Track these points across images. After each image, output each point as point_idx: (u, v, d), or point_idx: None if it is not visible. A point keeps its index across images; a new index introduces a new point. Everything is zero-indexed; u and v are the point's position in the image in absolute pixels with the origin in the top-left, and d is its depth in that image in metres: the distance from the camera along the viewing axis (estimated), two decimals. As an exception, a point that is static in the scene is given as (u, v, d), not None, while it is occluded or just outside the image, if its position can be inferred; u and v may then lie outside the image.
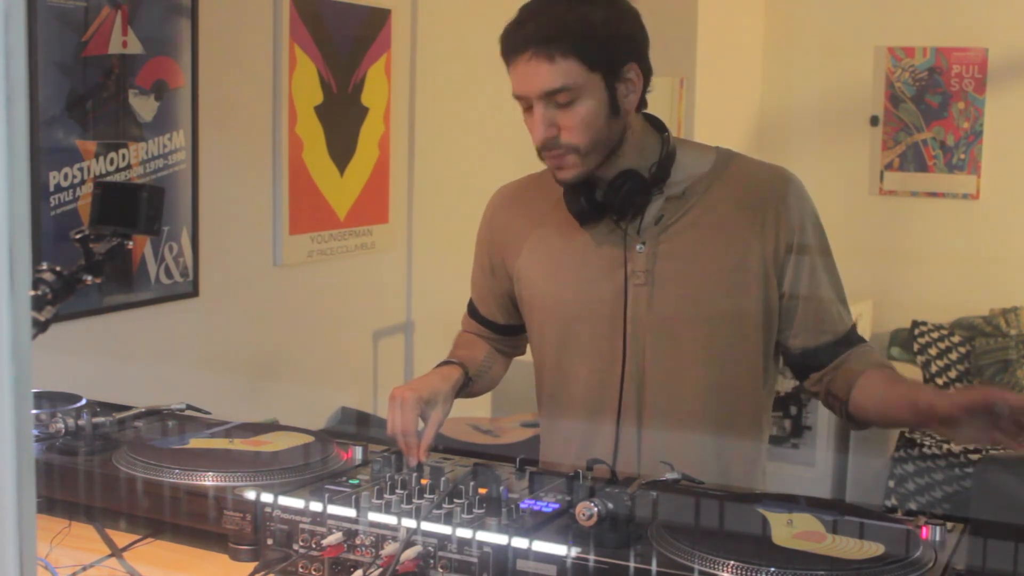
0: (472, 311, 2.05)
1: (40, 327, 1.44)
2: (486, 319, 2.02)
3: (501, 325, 2.02)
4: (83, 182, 2.87)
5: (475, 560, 1.39)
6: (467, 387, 1.89)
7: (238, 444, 1.78)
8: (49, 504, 1.69)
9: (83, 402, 1.95)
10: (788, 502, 1.52)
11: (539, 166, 1.83)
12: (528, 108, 1.72)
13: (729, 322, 1.77)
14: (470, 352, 1.97)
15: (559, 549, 1.36)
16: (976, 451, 4.47)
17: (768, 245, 1.76)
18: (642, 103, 1.78)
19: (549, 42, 1.65)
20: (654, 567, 1.33)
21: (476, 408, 4.29)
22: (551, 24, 1.66)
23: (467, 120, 4.48)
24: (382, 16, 3.94)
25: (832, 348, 1.81)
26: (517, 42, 1.68)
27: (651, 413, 1.80)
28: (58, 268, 1.51)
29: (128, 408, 1.92)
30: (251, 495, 1.55)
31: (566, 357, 1.86)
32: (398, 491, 1.53)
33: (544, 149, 1.72)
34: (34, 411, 1.35)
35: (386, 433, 1.73)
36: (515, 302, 1.96)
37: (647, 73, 1.76)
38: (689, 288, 1.76)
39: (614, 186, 1.74)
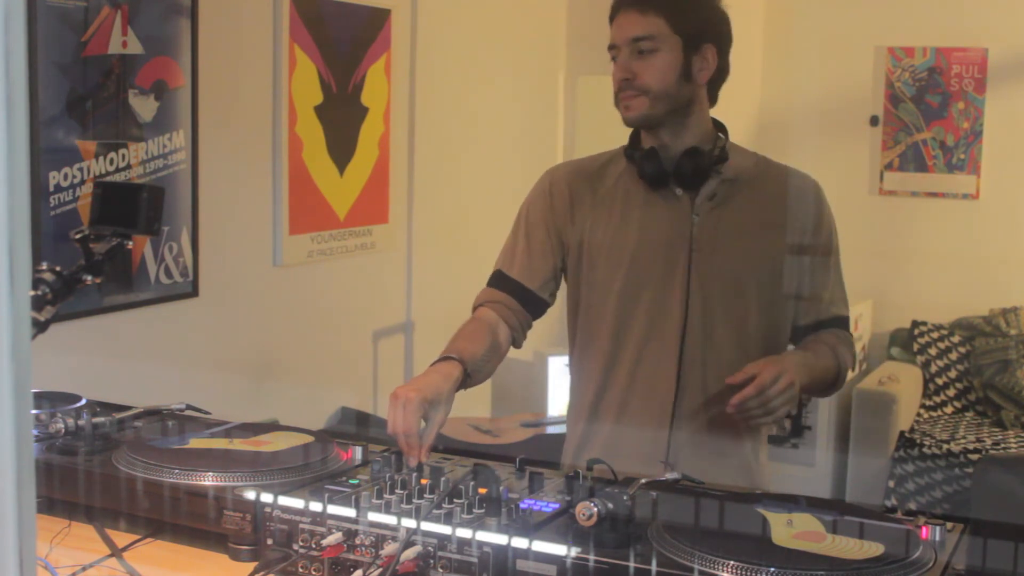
0: (498, 280, 2.10)
1: (40, 327, 1.44)
2: (517, 283, 2.08)
3: (531, 293, 2.08)
4: (83, 182, 2.87)
5: (475, 560, 1.39)
6: (464, 383, 1.89)
7: (238, 444, 1.78)
8: (49, 504, 1.69)
9: (83, 402, 1.95)
10: (788, 502, 1.52)
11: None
12: (616, 59, 2.00)
13: (755, 289, 2.01)
14: (470, 345, 1.97)
15: (559, 549, 1.36)
16: (976, 451, 4.47)
17: (795, 239, 2.02)
18: (713, 98, 2.05)
19: (644, 0, 1.98)
20: (654, 567, 1.33)
21: (476, 408, 4.29)
22: None
23: (467, 120, 4.48)
24: (382, 16, 3.94)
25: (814, 327, 2.08)
26: (622, 1, 2.01)
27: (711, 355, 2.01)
28: (58, 268, 1.51)
29: (128, 408, 1.92)
30: (251, 495, 1.55)
31: (629, 318, 2.02)
32: (398, 491, 1.53)
33: (620, 91, 1.99)
34: (34, 411, 1.35)
35: (387, 432, 1.73)
36: (556, 275, 2.11)
37: (723, 67, 2.03)
38: (729, 259, 2.00)
39: (685, 157, 1.98)
